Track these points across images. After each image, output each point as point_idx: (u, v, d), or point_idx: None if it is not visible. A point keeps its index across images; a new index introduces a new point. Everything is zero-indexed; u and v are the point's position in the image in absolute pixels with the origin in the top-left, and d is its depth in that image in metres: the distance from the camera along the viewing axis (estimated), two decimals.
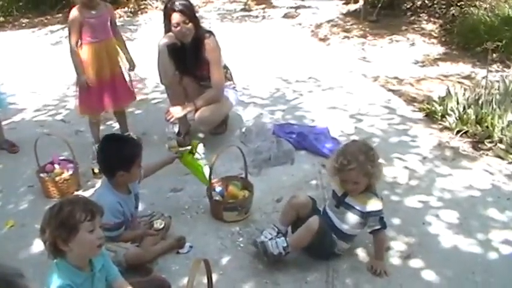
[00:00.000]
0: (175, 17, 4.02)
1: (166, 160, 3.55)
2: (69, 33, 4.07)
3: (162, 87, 4.91)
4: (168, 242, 3.11)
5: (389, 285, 2.89)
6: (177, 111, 4.10)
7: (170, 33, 4.10)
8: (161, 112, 4.84)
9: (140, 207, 3.30)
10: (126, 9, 8.92)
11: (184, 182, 3.85)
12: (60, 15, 8.69)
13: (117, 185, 2.96)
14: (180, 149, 3.56)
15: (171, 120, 4.08)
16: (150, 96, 5.35)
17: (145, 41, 7.12)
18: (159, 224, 3.11)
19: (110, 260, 2.49)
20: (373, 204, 2.95)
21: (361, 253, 3.13)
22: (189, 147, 3.51)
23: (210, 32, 4.24)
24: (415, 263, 3.07)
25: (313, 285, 2.87)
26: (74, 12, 4.00)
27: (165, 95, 4.87)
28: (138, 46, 6.94)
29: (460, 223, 3.43)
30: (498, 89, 4.85)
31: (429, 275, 2.97)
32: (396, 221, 3.44)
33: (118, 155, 2.91)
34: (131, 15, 8.73)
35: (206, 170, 3.44)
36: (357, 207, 2.95)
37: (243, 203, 3.42)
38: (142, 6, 9.00)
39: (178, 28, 4.04)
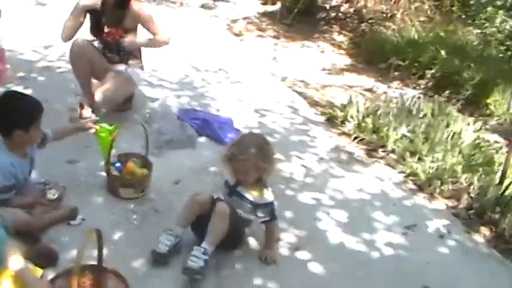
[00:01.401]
0: None
1: (80, 127, 3.46)
2: None
3: (67, 55, 4.73)
4: (60, 212, 2.99)
5: (278, 274, 2.97)
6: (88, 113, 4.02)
7: None
8: (64, 80, 4.72)
9: (34, 174, 3.17)
10: None
11: (83, 154, 3.72)
12: None
13: (13, 145, 2.82)
14: (103, 124, 3.43)
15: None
16: (55, 64, 5.14)
17: (56, 7, 6.82)
18: (52, 194, 2.98)
19: None
20: (264, 197, 2.99)
21: (253, 242, 3.18)
22: (111, 127, 3.37)
23: None
24: (303, 255, 3.18)
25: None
26: None
27: (70, 66, 4.72)
28: (48, 11, 6.71)
29: (348, 222, 3.59)
30: (396, 104, 5.10)
31: (316, 268, 3.09)
32: (289, 214, 3.53)
33: (16, 113, 2.77)
34: None
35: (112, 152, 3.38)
36: (248, 198, 2.97)
37: (141, 181, 3.37)
38: None
39: None
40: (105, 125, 3.39)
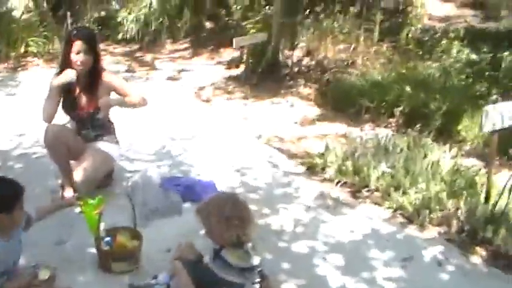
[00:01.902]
0: (78, 44, 3.99)
1: (63, 204, 3.45)
2: None
3: (41, 141, 4.74)
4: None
5: None
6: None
7: (67, 70, 4.04)
8: (42, 165, 4.70)
9: (22, 259, 3.12)
10: (6, 64, 8.63)
11: (70, 233, 3.70)
12: None
13: None
14: (87, 199, 3.41)
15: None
16: (30, 150, 5.14)
17: (25, 96, 6.94)
18: (43, 274, 2.90)
19: None
20: (248, 260, 2.94)
21: None
22: (95, 201, 3.36)
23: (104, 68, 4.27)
24: None
25: None
26: None
27: (45, 150, 4.72)
28: (18, 101, 6.76)
29: (345, 264, 3.59)
30: (372, 144, 5.18)
31: None
32: (285, 265, 3.53)
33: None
34: (11, 71, 8.45)
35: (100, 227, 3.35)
36: (232, 262, 2.91)
37: (133, 253, 3.34)
38: (23, 63, 8.75)
39: (79, 55, 3.99)
40: (88, 200, 3.37)
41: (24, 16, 10.48)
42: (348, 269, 3.53)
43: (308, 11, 9.62)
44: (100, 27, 11.08)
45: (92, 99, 4.18)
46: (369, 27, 8.94)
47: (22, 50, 9.05)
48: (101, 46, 10.26)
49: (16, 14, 10.32)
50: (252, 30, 8.87)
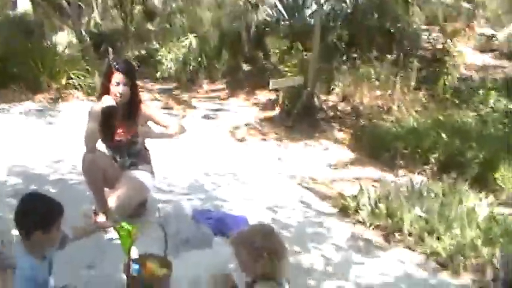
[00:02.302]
0: (118, 77, 4.09)
1: (98, 226, 3.51)
2: None
3: (78, 168, 4.83)
4: None
5: None
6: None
7: (106, 96, 4.12)
8: (77, 191, 4.76)
9: (52, 280, 3.13)
10: (47, 95, 8.88)
11: (100, 258, 3.73)
12: None
13: (32, 247, 2.81)
14: (123, 223, 3.42)
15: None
16: (66, 177, 5.23)
17: (64, 126, 7.13)
18: None
19: None
20: None
21: None
22: (130, 227, 3.37)
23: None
24: None
25: None
26: None
27: (81, 177, 4.80)
28: (57, 130, 6.91)
29: None
30: (406, 188, 5.13)
31: None
32: None
33: (36, 214, 2.80)
34: (51, 101, 8.68)
35: (133, 251, 3.36)
36: None
37: (162, 281, 3.32)
38: (64, 95, 8.99)
39: (118, 87, 4.08)
40: (124, 224, 3.38)
41: (67, 51, 10.85)
42: None
43: (345, 56, 9.72)
44: (139, 64, 11.36)
45: (130, 129, 4.25)
46: (406, 75, 8.97)
47: (64, 82, 9.29)
48: (139, 83, 10.54)
49: (60, 48, 10.70)
50: (289, 74, 8.95)
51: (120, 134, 4.28)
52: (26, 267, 2.72)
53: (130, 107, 4.24)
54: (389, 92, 8.67)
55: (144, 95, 9.74)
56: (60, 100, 8.83)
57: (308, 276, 3.83)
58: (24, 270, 2.71)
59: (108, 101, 4.12)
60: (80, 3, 12.85)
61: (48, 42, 10.88)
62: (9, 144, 6.12)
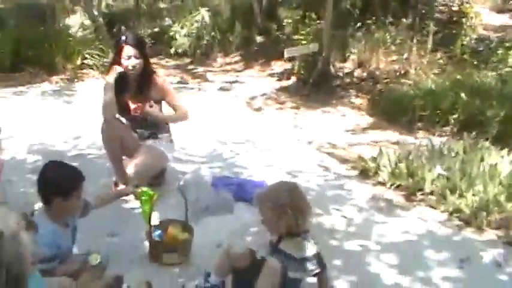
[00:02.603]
0: (128, 50, 4.07)
1: (122, 192, 3.54)
2: None
3: (97, 143, 4.86)
4: (105, 281, 2.96)
5: None
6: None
7: (116, 66, 4.11)
8: (96, 165, 4.79)
9: (75, 248, 3.16)
10: (63, 76, 8.93)
11: (123, 227, 3.74)
12: None
13: (54, 214, 2.83)
14: (144, 188, 3.42)
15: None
16: (85, 152, 5.26)
17: (81, 104, 7.18)
18: (94, 259, 2.93)
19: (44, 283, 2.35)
20: (307, 250, 2.86)
21: None
22: (152, 193, 3.37)
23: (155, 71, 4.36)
24: None
25: None
26: None
27: (100, 152, 4.83)
28: (74, 108, 6.95)
29: (399, 263, 3.49)
30: (426, 147, 5.07)
31: None
32: (337, 262, 3.45)
33: (57, 181, 2.81)
34: (67, 82, 8.72)
35: (154, 217, 3.37)
36: (291, 254, 2.84)
37: (184, 244, 3.34)
38: (79, 75, 9.03)
39: (129, 60, 4.07)
40: (145, 189, 3.39)
41: (80, 32, 10.88)
42: (402, 268, 3.42)
43: (360, 23, 9.59)
44: (153, 41, 11.36)
45: (144, 101, 4.24)
46: (422, 39, 8.83)
47: (78, 62, 9.33)
48: (154, 60, 10.55)
49: (73, 30, 10.73)
50: (303, 42, 8.86)
51: (135, 108, 4.26)
52: (48, 233, 2.74)
53: (143, 80, 4.22)
54: (405, 55, 8.54)
55: (159, 71, 9.78)
56: (76, 80, 8.90)
57: (330, 236, 3.81)
58: (46, 235, 2.72)
59: (118, 69, 4.11)
60: None
61: (61, 25, 10.91)
62: (28, 124, 6.16)
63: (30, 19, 10.56)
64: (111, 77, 4.13)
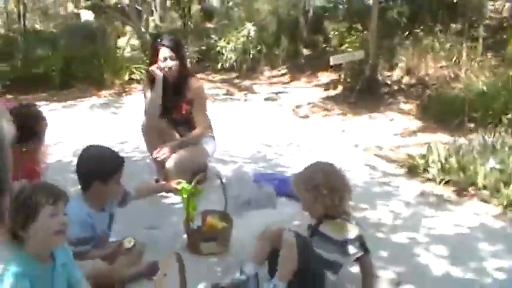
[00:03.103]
0: (164, 52, 4.06)
1: (163, 187, 3.55)
2: None
3: (141, 148, 4.86)
4: (141, 267, 2.90)
5: None
6: (164, 150, 4.01)
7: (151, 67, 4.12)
8: (139, 166, 4.78)
9: (112, 237, 3.12)
10: (111, 91, 9.09)
11: (163, 221, 3.70)
12: None
13: (91, 198, 2.81)
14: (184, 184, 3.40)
15: (160, 157, 3.98)
16: (130, 155, 5.26)
17: (128, 114, 7.24)
18: (128, 242, 2.88)
19: (74, 262, 2.31)
20: (349, 232, 2.75)
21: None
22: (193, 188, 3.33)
23: (193, 74, 4.32)
24: None
25: None
26: None
27: (144, 154, 4.83)
28: (121, 118, 7.02)
29: (450, 254, 3.32)
30: (478, 142, 4.85)
31: None
32: (384, 253, 3.31)
33: (96, 164, 2.80)
34: (115, 96, 8.88)
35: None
36: (332, 236, 2.75)
37: (222, 234, 3.25)
38: (127, 89, 9.18)
39: (165, 62, 4.05)
40: (186, 185, 3.34)
41: (129, 50, 11.12)
42: (453, 259, 3.24)
43: (407, 32, 9.42)
44: (199, 57, 11.46)
45: (181, 102, 4.22)
46: (471, 45, 8.57)
47: (126, 77, 9.51)
48: (201, 76, 10.63)
49: (121, 49, 10.99)
50: (349, 50, 8.74)
51: (173, 111, 4.25)
52: (82, 215, 2.71)
53: (179, 81, 4.20)
54: (455, 59, 8.29)
55: (206, 85, 9.83)
56: (123, 94, 9.03)
57: (376, 229, 3.66)
58: (80, 217, 2.70)
59: (154, 70, 4.12)
60: (138, 7, 13.14)
61: (111, 44, 11.19)
62: (75, 132, 6.25)
63: (81, 40, 10.89)
64: (148, 79, 4.16)
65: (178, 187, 3.39)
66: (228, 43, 11.27)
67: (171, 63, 4.10)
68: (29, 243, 2.09)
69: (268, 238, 2.81)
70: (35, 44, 11.20)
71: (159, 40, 4.18)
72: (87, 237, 2.75)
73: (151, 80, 4.19)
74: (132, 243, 2.87)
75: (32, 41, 11.44)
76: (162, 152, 4.01)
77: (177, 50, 4.17)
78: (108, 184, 2.80)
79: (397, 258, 3.24)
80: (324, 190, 2.73)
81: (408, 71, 8.88)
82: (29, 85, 9.08)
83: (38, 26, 15.46)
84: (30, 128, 3.28)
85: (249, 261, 2.84)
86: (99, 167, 2.80)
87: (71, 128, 6.47)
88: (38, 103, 8.01)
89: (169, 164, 4.00)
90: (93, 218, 2.80)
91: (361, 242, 2.77)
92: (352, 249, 2.74)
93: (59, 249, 2.22)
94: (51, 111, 7.69)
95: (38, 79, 9.41)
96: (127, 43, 11.46)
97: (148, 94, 4.21)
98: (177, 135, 4.28)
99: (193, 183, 3.30)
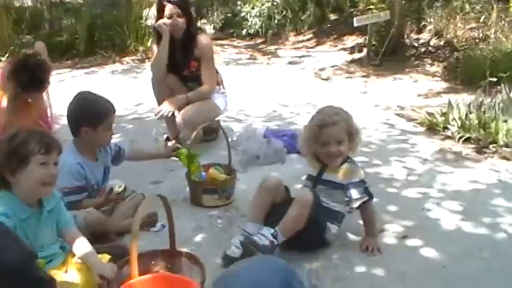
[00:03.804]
0: (170, 9, 3.95)
1: (160, 153, 3.52)
2: None
3: (156, 109, 4.79)
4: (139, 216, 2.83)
5: (384, 261, 2.61)
6: (165, 107, 3.94)
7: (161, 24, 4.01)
8: (151, 126, 4.70)
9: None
10: (134, 57, 9.07)
11: (167, 176, 3.65)
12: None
13: (82, 146, 2.75)
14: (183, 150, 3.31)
15: (159, 115, 3.92)
16: (144, 115, 5.25)
17: (147, 79, 7.12)
18: (118, 186, 2.82)
19: (63, 206, 2.25)
20: (353, 174, 2.68)
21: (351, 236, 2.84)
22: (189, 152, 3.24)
23: (202, 30, 4.19)
24: (414, 242, 2.81)
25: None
26: None
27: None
28: (140, 82, 6.96)
29: (463, 209, 3.17)
30: (501, 98, 4.64)
31: (429, 252, 2.70)
32: (393, 208, 3.19)
33: (85, 110, 2.73)
34: (138, 62, 8.83)
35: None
36: (336, 181, 2.67)
37: (224, 186, 3.17)
38: (150, 55, 9.10)
39: (171, 20, 3.95)
40: (183, 150, 3.27)
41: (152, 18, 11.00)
42: (466, 214, 3.09)
43: None
44: (224, 23, 11.32)
45: (190, 59, 4.11)
46: (502, 6, 8.21)
47: (149, 44, 9.39)
48: (226, 42, 10.51)
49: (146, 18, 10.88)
50: (375, 11, 8.48)
51: (182, 68, 4.16)
52: (74, 164, 2.66)
53: (187, 38, 4.07)
54: (484, 20, 7.96)
55: (229, 50, 9.74)
56: (146, 60, 8.95)
57: (387, 184, 3.52)
58: (72, 166, 2.64)
59: (160, 22, 4.01)
60: None
61: (135, 11, 11.09)
62: None
63: (105, 8, 10.83)
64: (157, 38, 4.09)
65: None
66: (253, 8, 11.10)
67: (177, 20, 3.99)
68: (16, 189, 2.07)
69: (266, 190, 2.73)
70: (60, 14, 11.27)
71: None
72: (80, 186, 2.70)
73: (158, 36, 4.09)
74: (122, 188, 2.80)
75: (58, 12, 11.49)
76: (163, 109, 3.93)
77: (183, 6, 4.04)
78: (97, 130, 2.73)
79: (406, 212, 3.11)
80: (350, 122, 2.67)
81: (436, 33, 8.59)
82: (54, 53, 9.07)
83: None
84: (37, 75, 3.26)
85: (251, 220, 2.74)
86: (86, 111, 2.74)
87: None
88: (61, 70, 8.17)
89: (179, 119, 3.93)
90: (85, 168, 2.74)
91: (364, 186, 2.67)
92: (355, 193, 2.65)
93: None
94: (73, 77, 7.73)
95: (63, 47, 9.45)
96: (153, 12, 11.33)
97: (155, 50, 4.12)
98: (186, 91, 4.18)
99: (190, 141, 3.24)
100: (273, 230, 2.52)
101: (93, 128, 2.71)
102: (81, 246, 2.16)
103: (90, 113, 2.74)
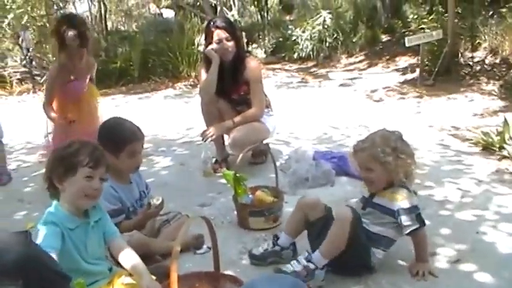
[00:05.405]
0: (218, 34, 3.99)
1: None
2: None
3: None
4: (185, 239, 2.84)
5: (436, 286, 2.51)
6: (212, 131, 3.98)
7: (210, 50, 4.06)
8: (200, 150, 4.73)
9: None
10: (186, 82, 9.27)
11: (214, 198, 3.66)
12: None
13: (112, 170, 2.77)
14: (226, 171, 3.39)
15: (207, 139, 3.96)
16: (194, 139, 5.28)
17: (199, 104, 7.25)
18: (155, 199, 2.81)
19: (109, 218, 2.33)
20: (404, 200, 2.56)
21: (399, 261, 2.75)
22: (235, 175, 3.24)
23: (250, 53, 4.22)
24: (467, 266, 2.68)
25: None
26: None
27: None
28: (191, 107, 7.05)
29: None
30: None
31: (483, 277, 2.58)
32: (445, 231, 3.08)
33: (106, 137, 2.77)
34: (190, 87, 8.98)
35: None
36: (385, 206, 2.58)
37: (271, 208, 3.14)
38: None
39: (221, 44, 3.99)
40: (227, 172, 3.34)
41: None
42: None
43: (491, 12, 8.90)
44: (275, 47, 11.38)
45: (238, 84, 4.14)
46: None
47: None
48: (277, 66, 10.55)
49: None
50: (427, 30, 8.35)
51: (230, 93, 4.19)
52: (106, 187, 2.66)
53: (236, 62, 4.10)
54: None
55: (280, 74, 9.78)
56: (198, 85, 9.08)
57: (440, 206, 3.42)
58: (106, 189, 2.64)
59: (210, 51, 4.05)
60: (216, 1, 13.24)
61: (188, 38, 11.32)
62: (144, 120, 6.27)
63: (159, 35, 11.12)
64: (205, 62, 4.14)
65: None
66: (304, 32, 11.13)
67: (226, 44, 4.03)
68: (63, 197, 2.18)
69: (302, 207, 2.73)
70: (116, 42, 11.64)
71: (212, 23, 4.12)
72: (117, 209, 2.73)
73: (207, 61, 4.13)
74: (159, 201, 2.80)
75: (114, 39, 11.88)
76: (208, 133, 3.98)
77: (231, 30, 4.08)
78: (119, 157, 2.75)
79: (459, 235, 3.00)
80: (400, 154, 2.58)
81: (491, 51, 8.39)
82: (109, 80, 9.39)
83: (121, 27, 15.99)
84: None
85: (285, 231, 2.77)
86: (108, 139, 2.76)
87: (140, 117, 6.51)
88: (115, 96, 8.39)
89: (229, 140, 4.01)
90: (118, 190, 2.77)
91: (416, 213, 2.57)
92: (405, 220, 2.55)
93: (92, 208, 2.27)
94: (127, 103, 7.92)
95: (117, 73, 9.74)
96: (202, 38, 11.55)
97: (204, 75, 4.16)
98: (235, 115, 4.20)
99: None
100: (307, 253, 2.50)
101: (114, 155, 2.73)
102: (129, 257, 2.23)
103: (111, 140, 2.76)
